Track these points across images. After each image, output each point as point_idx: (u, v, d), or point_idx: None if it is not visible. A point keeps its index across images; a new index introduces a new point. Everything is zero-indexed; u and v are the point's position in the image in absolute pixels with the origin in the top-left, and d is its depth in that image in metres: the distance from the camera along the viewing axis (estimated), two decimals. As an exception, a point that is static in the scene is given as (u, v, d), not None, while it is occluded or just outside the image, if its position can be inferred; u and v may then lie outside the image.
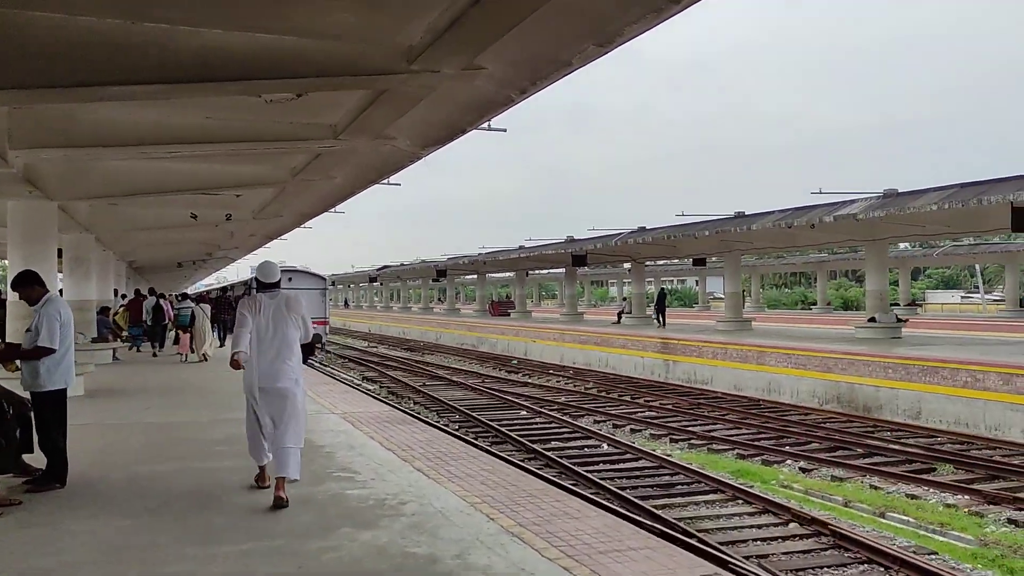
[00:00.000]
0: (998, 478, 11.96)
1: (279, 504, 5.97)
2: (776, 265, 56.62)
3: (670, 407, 19.65)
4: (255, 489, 6.49)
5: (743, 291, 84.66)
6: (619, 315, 35.31)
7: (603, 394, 22.41)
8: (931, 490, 11.29)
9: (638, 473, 12.59)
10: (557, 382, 25.70)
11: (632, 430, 16.85)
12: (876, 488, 11.59)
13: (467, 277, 71.04)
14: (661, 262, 55.81)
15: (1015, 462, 12.87)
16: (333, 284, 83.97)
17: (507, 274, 71.21)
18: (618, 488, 11.30)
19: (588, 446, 14.90)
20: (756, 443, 15.01)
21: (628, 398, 21.50)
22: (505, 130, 10.44)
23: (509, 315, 46.01)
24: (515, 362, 32.02)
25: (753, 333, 26.51)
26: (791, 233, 23.86)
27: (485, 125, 9.46)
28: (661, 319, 32.25)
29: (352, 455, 7.46)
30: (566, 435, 15.99)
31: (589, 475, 11.99)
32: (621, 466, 13.18)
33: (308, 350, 31.58)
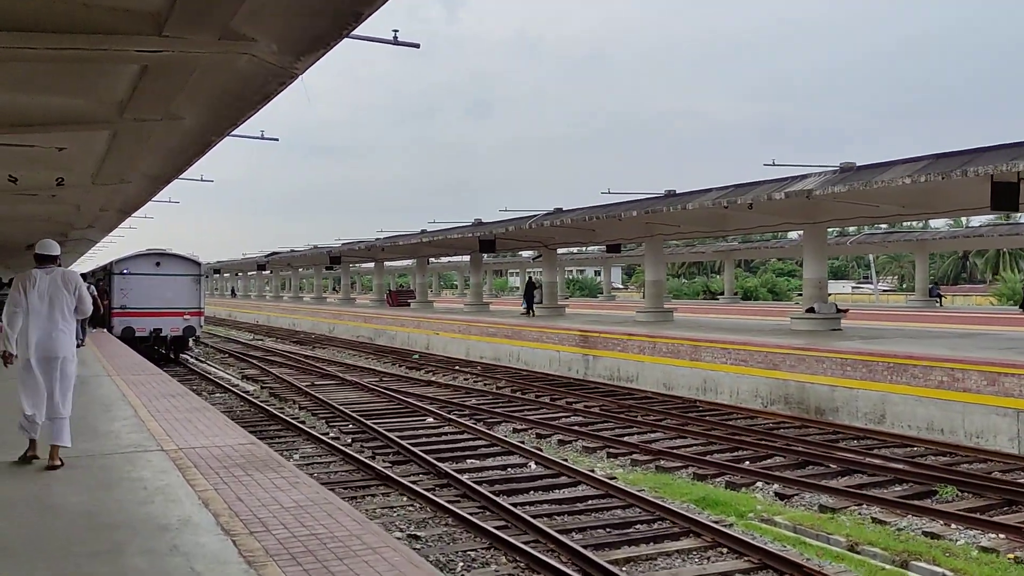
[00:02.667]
0: (1015, 504, 9.85)
1: (52, 468, 6.39)
2: (685, 254, 55.20)
3: (597, 410, 17.14)
4: (22, 464, 6.55)
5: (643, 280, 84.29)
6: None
7: (518, 394, 19.75)
8: (952, 525, 9.02)
9: (581, 506, 9.93)
10: (465, 380, 22.88)
11: (560, 441, 14.22)
12: (880, 522, 9.27)
13: (363, 266, 67.32)
14: (562, 250, 53.69)
15: (1022, 480, 10.86)
16: (217, 272, 78.67)
17: (406, 263, 67.96)
18: (558, 531, 8.62)
19: (511, 464, 12.17)
20: (709, 457, 12.60)
21: (548, 399, 18.90)
22: (418, 45, 7.59)
23: (409, 305, 42.86)
24: (416, 356, 29.08)
25: (677, 325, 24.35)
26: (723, 215, 21.75)
27: (390, 34, 6.50)
28: (530, 309, 31.49)
29: (155, 551, 4.28)
30: (483, 449, 13.23)
31: (519, 512, 9.25)
32: (557, 495, 10.50)
33: (181, 344, 27.79)
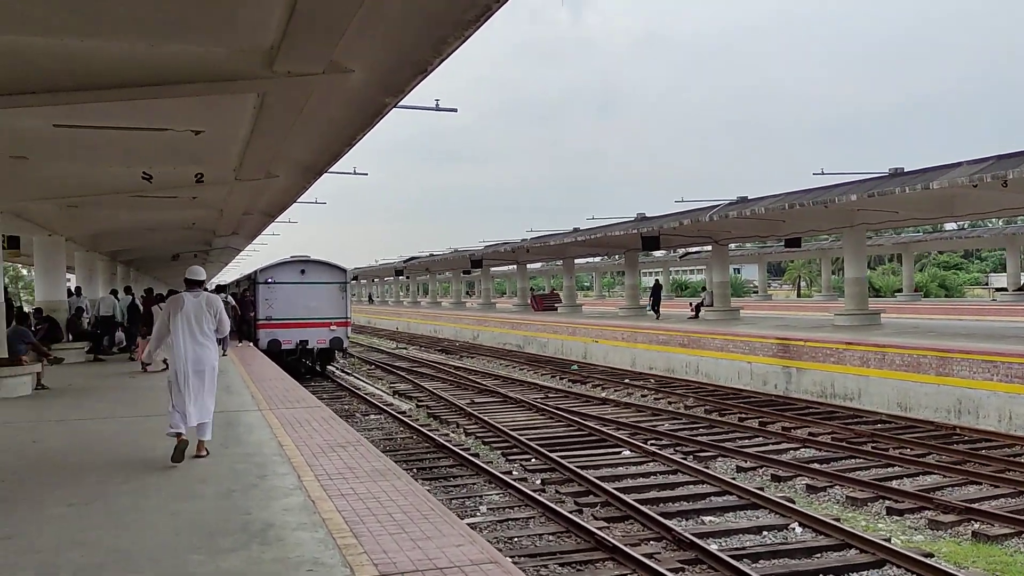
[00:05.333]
0: None
1: (200, 456, 7.61)
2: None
3: (828, 440, 13.91)
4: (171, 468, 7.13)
5: (799, 278, 78.68)
6: (696, 308, 29.51)
7: (716, 416, 16.70)
8: None
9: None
10: (643, 397, 19.99)
11: (808, 487, 11.10)
12: None
13: (495, 269, 65.35)
14: (682, 250, 49.60)
15: None
16: (355, 278, 78.74)
17: (536, 265, 65.19)
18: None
19: (765, 526, 9.21)
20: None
21: (756, 423, 15.77)
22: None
23: (555, 309, 40.35)
24: (575, 367, 26.37)
25: (892, 329, 20.66)
26: (953, 197, 18.05)
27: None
28: (656, 311, 30.50)
29: None
30: (714, 499, 10.36)
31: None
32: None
33: (327, 357, 26.13)
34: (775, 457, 12.59)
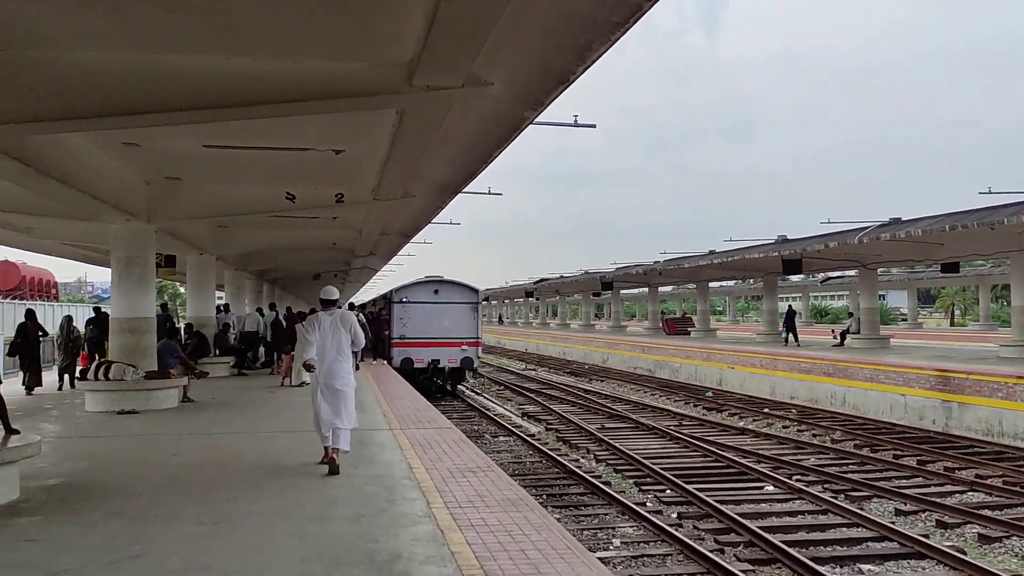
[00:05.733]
0: None
1: (333, 473, 7.70)
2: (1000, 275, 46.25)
3: (1001, 483, 12.65)
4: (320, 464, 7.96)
5: (952, 306, 73.82)
6: (842, 335, 27.94)
7: (867, 452, 15.56)
8: None
9: None
10: (784, 428, 18.94)
11: (982, 536, 10.04)
12: None
13: (624, 292, 64.46)
14: (822, 275, 47.11)
15: None
16: (487, 299, 79.68)
17: (666, 289, 63.72)
18: None
19: (933, 579, 8.33)
20: None
21: (914, 462, 14.55)
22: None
23: (688, 334, 39.26)
24: (709, 394, 25.42)
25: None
26: None
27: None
28: (794, 337, 28.79)
29: None
30: (872, 545, 9.52)
31: None
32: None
33: (458, 376, 26.24)
34: (939, 500, 11.51)
